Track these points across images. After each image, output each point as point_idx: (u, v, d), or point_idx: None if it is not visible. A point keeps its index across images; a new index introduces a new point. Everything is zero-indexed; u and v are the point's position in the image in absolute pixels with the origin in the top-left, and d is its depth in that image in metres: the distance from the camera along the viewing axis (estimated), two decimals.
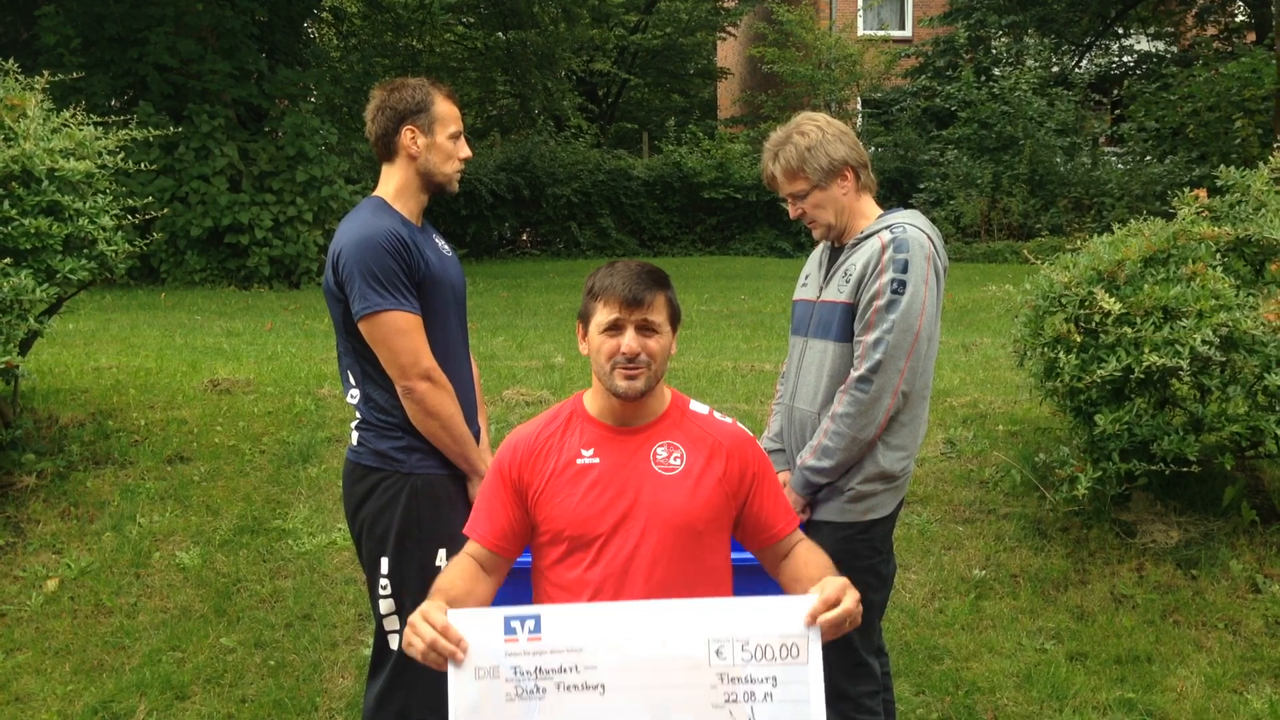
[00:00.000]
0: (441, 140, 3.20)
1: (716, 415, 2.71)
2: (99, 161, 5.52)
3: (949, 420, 6.38)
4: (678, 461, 2.59)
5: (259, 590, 4.92)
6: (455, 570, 2.62)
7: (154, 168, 13.26)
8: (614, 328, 2.54)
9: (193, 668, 4.43)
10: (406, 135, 3.17)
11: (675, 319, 2.62)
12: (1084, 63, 26.68)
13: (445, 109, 3.22)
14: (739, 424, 2.71)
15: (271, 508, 5.48)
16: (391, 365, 3.06)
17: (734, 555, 2.77)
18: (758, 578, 2.83)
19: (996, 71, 23.68)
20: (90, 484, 5.56)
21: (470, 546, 2.67)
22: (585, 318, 2.61)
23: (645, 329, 2.53)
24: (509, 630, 2.28)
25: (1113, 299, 4.59)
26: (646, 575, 2.53)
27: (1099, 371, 4.56)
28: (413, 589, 3.13)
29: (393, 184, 3.22)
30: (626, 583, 2.54)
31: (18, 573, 4.96)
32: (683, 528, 2.55)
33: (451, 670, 2.27)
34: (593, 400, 2.66)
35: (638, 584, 2.53)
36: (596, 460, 2.60)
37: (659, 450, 2.60)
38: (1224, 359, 4.55)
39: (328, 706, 4.23)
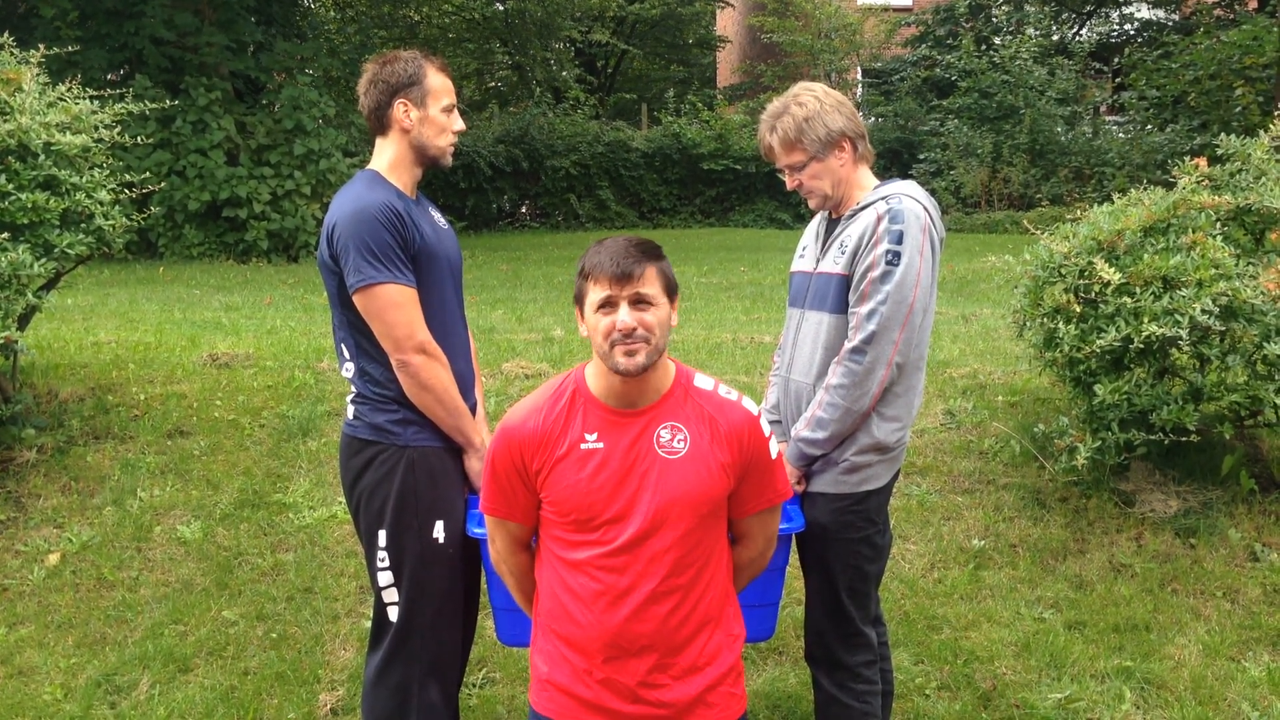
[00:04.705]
0: (434, 113, 3.18)
1: (721, 391, 2.67)
2: (95, 135, 5.51)
3: (948, 391, 6.38)
4: (681, 444, 2.57)
5: (260, 564, 4.93)
6: (522, 567, 2.80)
7: (151, 141, 13.27)
8: (607, 305, 2.50)
9: (195, 641, 4.45)
10: (399, 108, 3.15)
11: (670, 290, 2.57)
12: (1084, 31, 26.61)
13: (438, 82, 3.20)
14: (744, 399, 2.68)
15: (272, 481, 5.49)
16: (386, 338, 3.06)
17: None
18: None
19: (997, 40, 23.64)
20: (90, 458, 5.57)
21: (513, 528, 2.73)
22: (580, 299, 2.58)
23: (639, 302, 2.49)
24: None
25: (1112, 269, 4.58)
26: (652, 557, 2.55)
27: (1098, 341, 4.56)
28: (410, 561, 3.15)
29: (386, 157, 3.20)
30: (633, 564, 2.55)
31: (19, 547, 4.98)
32: (687, 510, 2.55)
33: None
34: (595, 379, 2.63)
35: (644, 565, 2.55)
36: (600, 445, 2.58)
37: (662, 433, 2.58)
38: (1223, 328, 4.54)
39: (329, 678, 4.25)
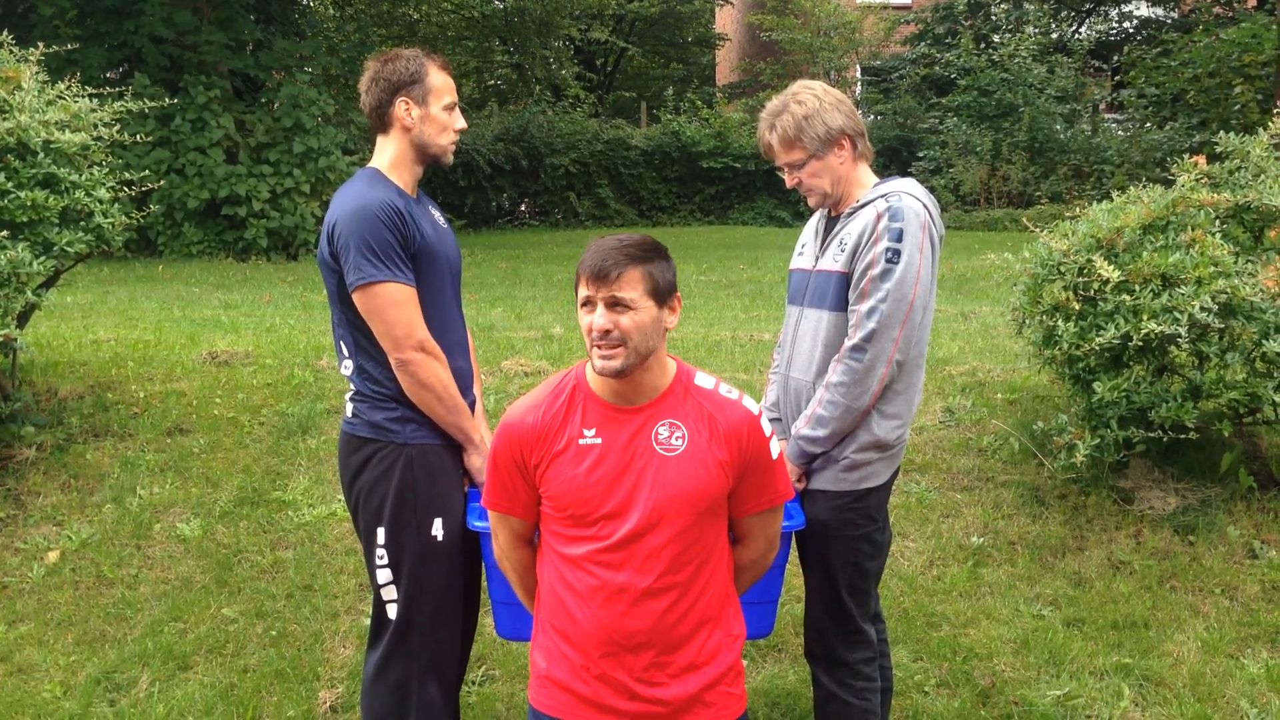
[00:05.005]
0: (436, 111, 3.19)
1: (722, 390, 2.66)
2: (95, 134, 5.50)
3: (948, 388, 6.39)
4: (679, 442, 2.57)
5: (260, 561, 4.93)
6: (524, 563, 2.79)
7: (150, 139, 13.27)
8: (587, 304, 2.52)
9: (194, 638, 4.45)
10: (400, 107, 3.15)
11: (659, 293, 2.53)
12: (1083, 29, 26.61)
13: (439, 80, 3.20)
14: (745, 398, 2.66)
15: (271, 479, 5.49)
16: (385, 337, 3.06)
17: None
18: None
19: (996, 38, 23.66)
20: (90, 456, 5.57)
21: (515, 524, 2.73)
22: (575, 294, 2.61)
23: (615, 305, 2.48)
24: None
25: (1111, 266, 4.58)
26: (649, 553, 2.54)
27: (1097, 339, 4.56)
28: (409, 559, 3.15)
29: (388, 155, 3.21)
30: (630, 560, 2.55)
31: (19, 545, 4.98)
32: (685, 507, 2.54)
33: None
34: (594, 376, 2.63)
35: (641, 561, 2.55)
36: (598, 441, 2.58)
37: (660, 430, 2.58)
38: (1222, 326, 4.54)
39: (329, 676, 4.25)
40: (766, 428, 2.64)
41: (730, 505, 2.67)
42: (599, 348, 2.49)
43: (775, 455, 2.66)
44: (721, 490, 2.59)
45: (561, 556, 2.63)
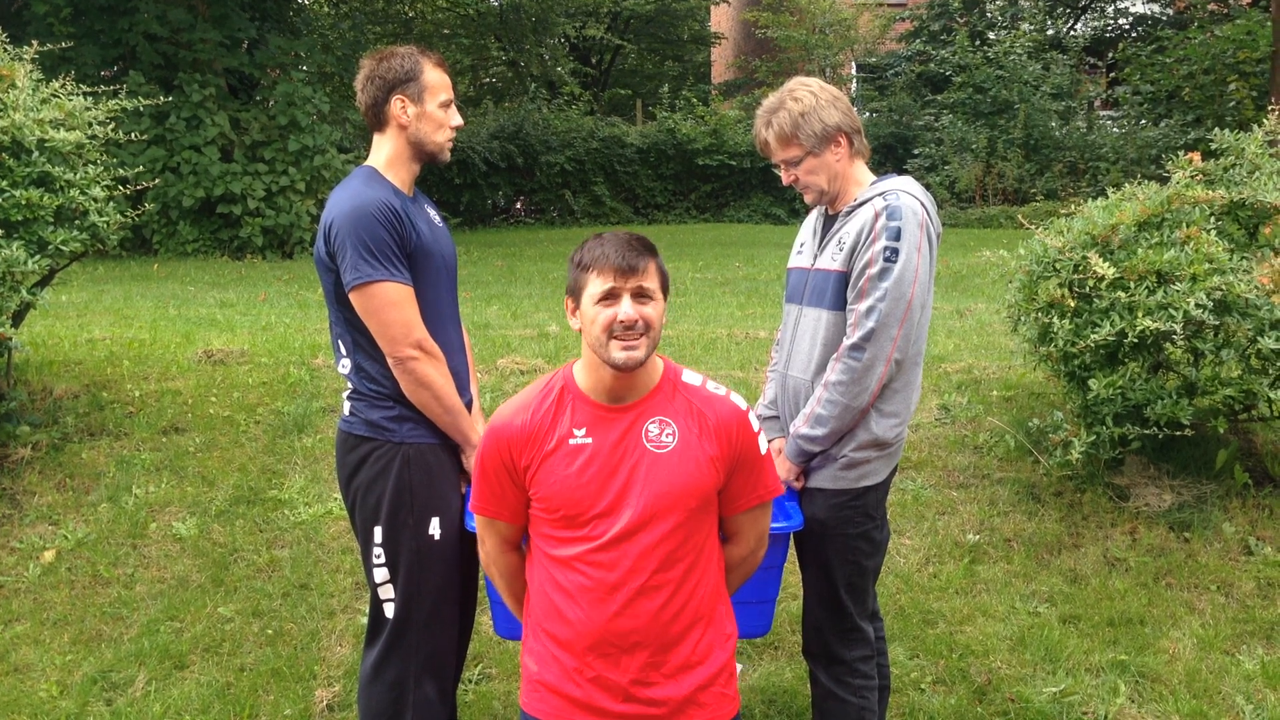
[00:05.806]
0: (431, 109, 3.18)
1: (709, 387, 2.67)
2: (89, 132, 5.49)
3: (943, 386, 6.39)
4: (669, 439, 2.57)
5: (256, 560, 4.93)
6: (512, 569, 2.79)
7: (145, 138, 13.25)
8: (609, 297, 2.50)
9: (191, 637, 4.44)
10: (396, 104, 3.15)
11: (665, 286, 2.59)
12: (1079, 25, 26.63)
13: (435, 77, 3.19)
14: (733, 395, 2.68)
15: (267, 478, 5.49)
16: (382, 336, 3.05)
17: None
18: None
19: (991, 35, 23.68)
20: (85, 455, 5.56)
21: (502, 528, 2.72)
22: (575, 292, 2.57)
23: (640, 296, 2.50)
24: None
25: (1107, 263, 4.58)
26: (642, 552, 2.54)
27: (1093, 336, 4.56)
28: (406, 558, 3.14)
29: (384, 153, 3.20)
30: (623, 559, 2.54)
31: (14, 544, 4.97)
32: (676, 504, 2.54)
33: None
34: (584, 375, 2.63)
35: (634, 560, 2.54)
36: (589, 440, 2.57)
37: (650, 427, 2.58)
38: (1217, 323, 4.54)
39: (325, 675, 4.25)
40: (754, 423, 2.66)
41: (721, 503, 2.67)
42: (620, 339, 2.48)
43: (763, 451, 2.67)
44: (713, 486, 2.59)
45: (552, 559, 2.62)
